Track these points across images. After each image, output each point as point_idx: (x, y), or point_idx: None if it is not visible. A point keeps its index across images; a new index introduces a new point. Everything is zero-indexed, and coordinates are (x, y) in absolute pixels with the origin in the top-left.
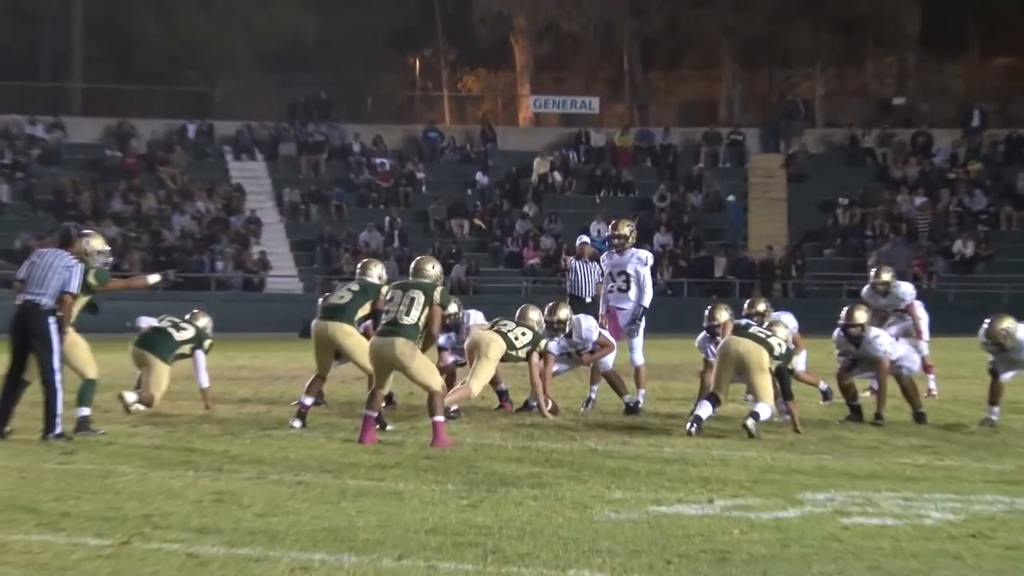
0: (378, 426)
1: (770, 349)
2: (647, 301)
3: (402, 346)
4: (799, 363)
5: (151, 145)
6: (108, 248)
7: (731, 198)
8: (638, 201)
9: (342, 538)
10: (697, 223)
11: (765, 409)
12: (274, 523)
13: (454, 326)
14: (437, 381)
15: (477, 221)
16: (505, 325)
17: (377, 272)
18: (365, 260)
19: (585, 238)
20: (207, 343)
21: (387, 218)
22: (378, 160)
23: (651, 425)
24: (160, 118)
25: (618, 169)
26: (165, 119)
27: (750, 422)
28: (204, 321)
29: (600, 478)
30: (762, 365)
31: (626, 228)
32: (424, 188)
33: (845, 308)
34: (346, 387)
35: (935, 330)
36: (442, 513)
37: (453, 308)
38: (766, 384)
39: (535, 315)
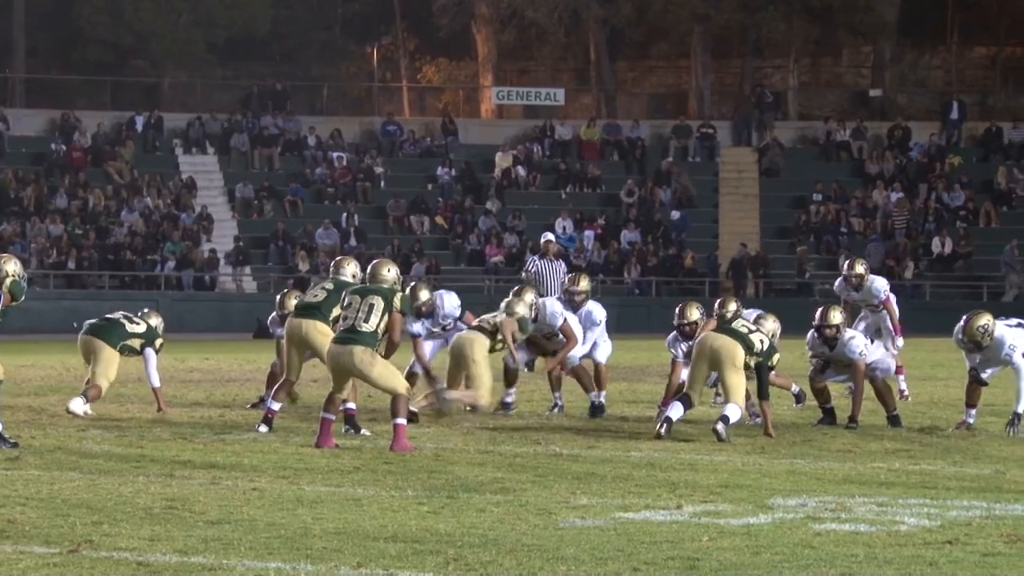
0: (352, 430)
1: (749, 345)
2: (602, 355)
3: (361, 354)
4: None
5: (97, 138)
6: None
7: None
8: (605, 196)
9: (298, 546)
10: (666, 219)
11: (735, 411)
12: (228, 530)
13: (428, 312)
14: (401, 384)
15: (439, 220)
16: (487, 321)
17: (351, 270)
18: (339, 258)
19: (549, 235)
20: (158, 342)
21: (344, 214)
22: (335, 154)
23: (618, 428)
24: (107, 110)
25: (584, 163)
26: (112, 111)
27: (719, 426)
28: (156, 320)
29: (565, 483)
30: (736, 362)
31: (585, 282)
32: (383, 183)
33: (820, 309)
34: (301, 389)
35: (912, 330)
36: (402, 520)
37: (425, 295)
38: (738, 383)
39: (521, 309)
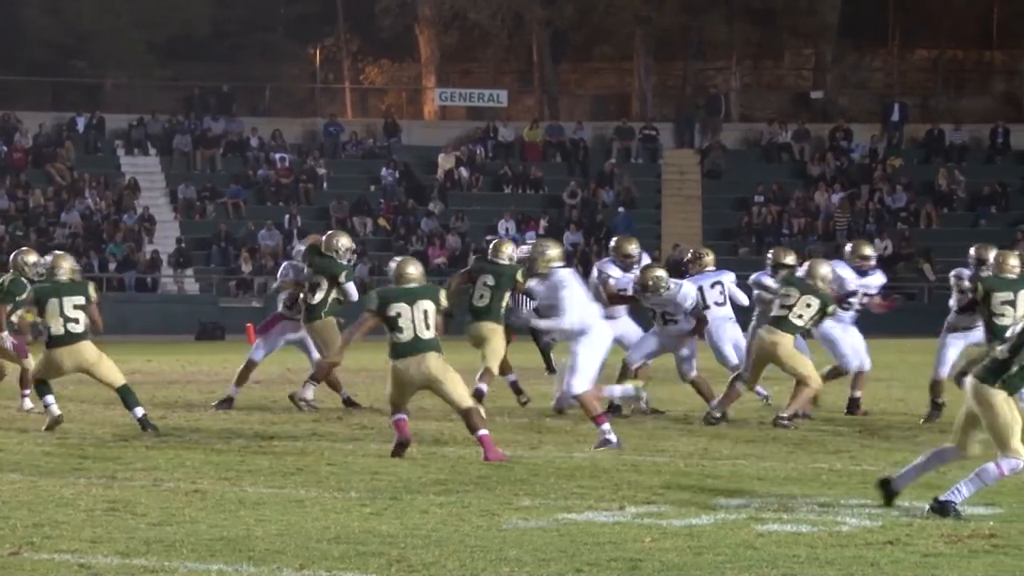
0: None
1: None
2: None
3: (435, 360)
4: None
5: (38, 139)
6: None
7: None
8: (547, 198)
9: (240, 548)
10: (609, 221)
11: None
12: (170, 532)
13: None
14: (467, 397)
15: (381, 222)
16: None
17: (508, 252)
18: (496, 241)
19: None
20: (343, 275)
21: (287, 216)
22: (277, 155)
23: (560, 430)
24: (47, 111)
25: (527, 165)
26: (53, 112)
27: None
28: (343, 242)
29: (508, 485)
30: None
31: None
32: (325, 184)
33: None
34: (250, 390)
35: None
36: (345, 521)
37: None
38: None
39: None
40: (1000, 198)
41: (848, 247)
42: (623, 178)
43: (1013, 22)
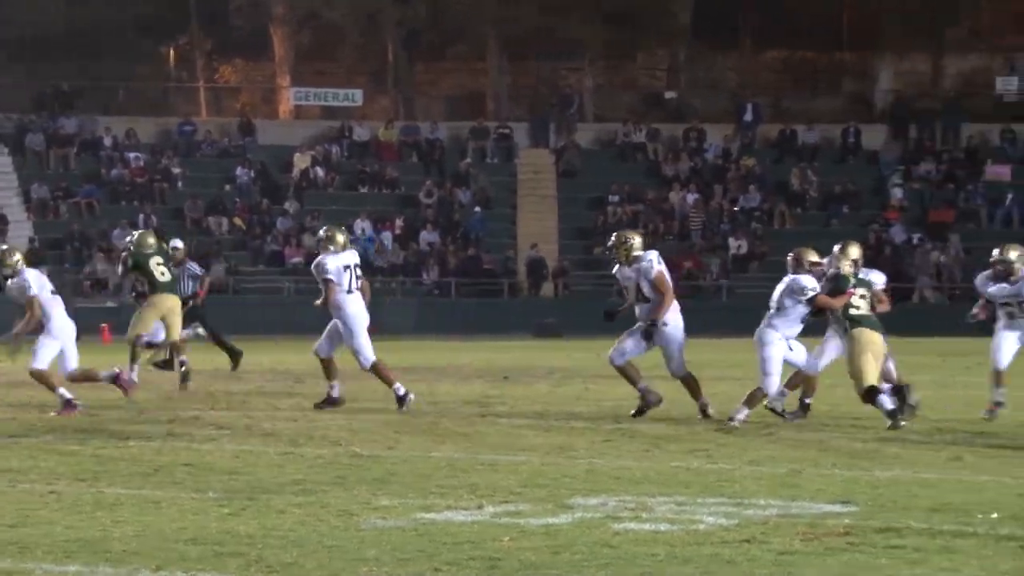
0: None
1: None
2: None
3: None
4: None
5: None
6: None
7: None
8: (403, 198)
9: (97, 549)
10: (465, 220)
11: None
12: (25, 534)
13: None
14: None
15: (237, 221)
16: None
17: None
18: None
19: (177, 243)
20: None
21: (141, 215)
22: (131, 154)
23: (417, 429)
24: None
25: (382, 164)
26: None
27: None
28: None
29: (366, 485)
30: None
31: None
32: (180, 184)
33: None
34: (105, 390)
35: (711, 329)
36: (202, 522)
37: None
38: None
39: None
40: (852, 198)
41: (791, 257)
42: (479, 178)
43: (864, 24)
